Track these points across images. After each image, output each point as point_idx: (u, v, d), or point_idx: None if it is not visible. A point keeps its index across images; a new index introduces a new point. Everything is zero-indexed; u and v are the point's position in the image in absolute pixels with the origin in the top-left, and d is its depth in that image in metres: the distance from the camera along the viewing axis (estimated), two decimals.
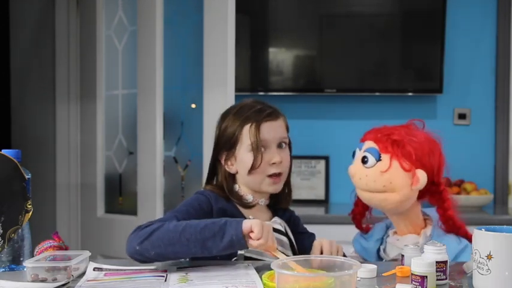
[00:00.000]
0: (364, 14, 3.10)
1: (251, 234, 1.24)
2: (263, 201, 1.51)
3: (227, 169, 1.49)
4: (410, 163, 1.44)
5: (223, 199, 1.48)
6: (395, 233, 1.56)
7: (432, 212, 1.57)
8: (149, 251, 1.26)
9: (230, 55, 2.42)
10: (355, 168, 1.52)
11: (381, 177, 1.46)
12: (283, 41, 3.13)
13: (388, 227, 1.60)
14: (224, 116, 1.51)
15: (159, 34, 2.55)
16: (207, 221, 1.27)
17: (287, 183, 1.56)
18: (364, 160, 1.49)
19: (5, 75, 3.08)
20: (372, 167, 1.47)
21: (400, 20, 3.07)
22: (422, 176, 1.44)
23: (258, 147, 1.43)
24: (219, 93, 2.41)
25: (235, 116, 1.48)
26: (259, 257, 1.41)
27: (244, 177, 1.47)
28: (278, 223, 1.50)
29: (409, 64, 3.10)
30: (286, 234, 1.50)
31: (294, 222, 1.59)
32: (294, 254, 1.49)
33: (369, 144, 1.50)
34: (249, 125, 1.45)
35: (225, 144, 1.47)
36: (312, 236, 1.60)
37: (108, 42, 2.86)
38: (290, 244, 1.50)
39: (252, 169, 1.44)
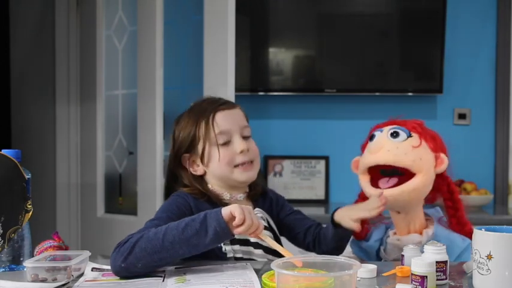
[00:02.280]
0: (364, 14, 3.10)
1: (234, 222, 1.20)
2: (241, 196, 1.47)
3: (193, 172, 1.45)
4: (436, 145, 1.47)
5: (200, 198, 1.43)
6: (395, 233, 1.55)
7: (433, 211, 1.56)
8: (135, 264, 1.21)
9: (230, 55, 2.42)
10: (383, 141, 1.46)
11: (412, 152, 1.43)
12: (283, 41, 3.13)
13: (387, 228, 1.60)
14: (178, 120, 1.47)
15: (159, 34, 2.55)
16: (186, 220, 1.23)
17: (258, 174, 1.50)
18: (394, 134, 1.45)
19: (5, 75, 3.08)
20: (403, 141, 1.45)
21: (399, 20, 3.07)
22: (445, 159, 1.46)
23: (217, 139, 1.39)
24: (219, 93, 2.39)
25: (189, 115, 1.44)
26: (249, 256, 1.40)
27: (214, 174, 1.43)
28: (260, 217, 1.46)
29: (409, 64, 3.10)
30: (269, 228, 1.47)
31: (277, 208, 1.55)
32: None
33: (393, 126, 1.49)
34: (205, 119, 1.40)
35: (184, 147, 1.43)
36: (299, 213, 1.57)
37: (108, 42, 2.86)
38: (274, 237, 1.47)
39: (213, 162, 1.40)
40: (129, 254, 1.21)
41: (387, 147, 1.45)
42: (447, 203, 1.51)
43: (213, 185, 1.45)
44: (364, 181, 1.51)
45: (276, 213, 1.54)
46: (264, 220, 1.47)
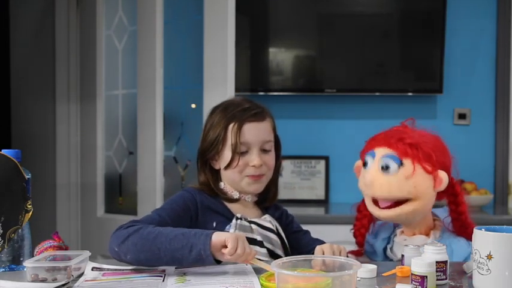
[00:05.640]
0: (364, 14, 3.10)
1: (224, 250, 1.20)
2: (250, 197, 1.51)
3: (212, 165, 1.51)
4: (432, 165, 1.41)
5: (208, 195, 1.48)
6: (402, 232, 1.55)
7: (441, 213, 1.56)
8: (125, 254, 1.25)
9: (230, 55, 2.42)
10: (374, 176, 1.44)
11: (406, 183, 1.41)
12: (283, 41, 3.13)
13: (395, 226, 1.60)
14: (212, 112, 1.52)
15: (159, 34, 2.55)
16: (177, 232, 1.25)
17: (274, 183, 1.55)
18: (384, 167, 1.42)
19: (5, 75, 3.08)
20: (394, 173, 1.41)
21: (399, 20, 3.07)
22: (444, 177, 1.42)
23: (237, 148, 1.44)
24: (219, 93, 2.41)
25: (222, 113, 1.48)
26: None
27: (226, 176, 1.49)
28: (268, 221, 1.49)
29: (409, 64, 3.10)
30: (277, 233, 1.49)
31: (287, 221, 1.59)
32: (286, 252, 1.48)
33: (384, 151, 1.44)
34: (232, 124, 1.45)
35: (211, 142, 1.48)
36: (307, 233, 1.59)
37: (108, 42, 2.86)
38: (281, 242, 1.49)
39: (228, 167, 1.45)
40: (122, 242, 1.25)
41: (379, 181, 1.43)
42: (451, 206, 1.49)
43: (226, 182, 1.50)
44: (368, 201, 1.51)
45: (284, 226, 1.56)
46: (273, 226, 1.49)
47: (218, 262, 1.23)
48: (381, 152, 1.45)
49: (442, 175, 1.42)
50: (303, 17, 3.07)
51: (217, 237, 1.21)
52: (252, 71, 3.09)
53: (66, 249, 1.40)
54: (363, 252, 1.62)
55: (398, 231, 1.56)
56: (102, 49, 2.83)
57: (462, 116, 3.13)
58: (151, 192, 2.57)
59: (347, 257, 1.41)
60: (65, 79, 2.95)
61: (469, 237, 1.47)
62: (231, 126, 1.45)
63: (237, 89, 2.47)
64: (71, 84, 2.94)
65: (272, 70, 3.09)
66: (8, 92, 3.09)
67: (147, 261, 1.26)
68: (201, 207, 1.44)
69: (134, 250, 1.24)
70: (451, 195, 1.49)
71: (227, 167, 1.46)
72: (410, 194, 1.42)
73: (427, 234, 1.50)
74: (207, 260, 1.21)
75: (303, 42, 3.12)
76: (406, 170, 1.41)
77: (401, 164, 1.41)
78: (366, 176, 1.46)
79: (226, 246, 1.20)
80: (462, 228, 1.49)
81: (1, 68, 3.09)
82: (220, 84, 2.43)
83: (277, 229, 1.50)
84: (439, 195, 1.49)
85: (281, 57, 3.11)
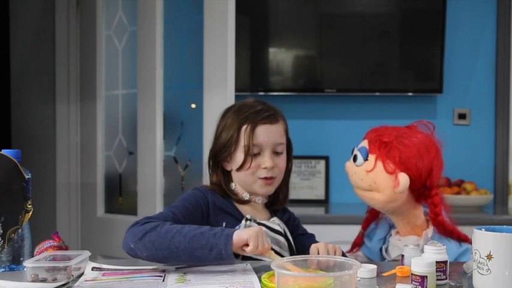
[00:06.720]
0: (364, 14, 3.10)
1: (246, 248, 1.22)
2: (260, 199, 1.52)
3: (224, 166, 1.52)
4: (394, 165, 1.45)
5: (219, 195, 1.49)
6: (397, 233, 1.56)
7: None
8: (142, 251, 1.26)
9: (230, 55, 2.42)
10: (348, 165, 1.58)
11: (367, 176, 1.50)
12: (283, 41, 3.13)
13: (391, 227, 1.60)
14: (225, 113, 1.53)
15: (159, 34, 2.55)
16: (196, 231, 1.25)
17: (285, 185, 1.57)
18: (354, 158, 1.54)
19: (5, 76, 3.08)
20: (360, 165, 1.52)
21: (399, 20, 3.07)
22: (403, 180, 1.44)
23: (249, 150, 1.44)
24: (219, 93, 2.41)
25: (235, 115, 1.49)
26: (256, 256, 1.41)
27: (238, 177, 1.49)
28: (277, 223, 1.50)
29: (409, 64, 3.10)
30: (284, 235, 1.50)
31: (293, 224, 1.60)
32: (292, 255, 1.49)
33: (363, 143, 1.54)
34: (245, 126, 1.45)
35: (223, 144, 1.48)
36: (311, 237, 1.60)
37: (108, 42, 2.86)
38: (288, 245, 1.50)
39: (241, 169, 1.46)
40: (139, 239, 1.26)
41: (350, 171, 1.57)
42: (430, 214, 1.50)
43: (237, 184, 1.51)
44: None
45: (290, 229, 1.58)
46: (281, 229, 1.50)
47: (237, 257, 1.25)
48: (362, 143, 1.55)
49: (401, 177, 1.45)
50: (303, 17, 3.07)
51: (238, 236, 1.23)
52: (252, 71, 3.09)
53: (66, 249, 1.40)
54: (359, 244, 1.65)
55: (393, 231, 1.57)
56: (102, 49, 2.83)
57: (462, 116, 3.13)
58: (151, 192, 2.57)
59: (343, 254, 1.42)
60: (65, 79, 2.95)
61: (455, 239, 1.47)
62: (244, 128, 1.45)
63: (237, 89, 2.47)
64: (71, 84, 2.94)
65: (272, 70, 3.09)
66: (8, 92, 3.09)
67: (164, 259, 1.27)
68: (212, 206, 1.45)
69: (152, 248, 1.24)
70: (427, 197, 1.50)
71: (239, 168, 1.46)
72: (371, 187, 1.50)
73: (420, 235, 1.50)
74: (228, 258, 1.23)
75: (303, 42, 3.12)
76: (368, 165, 1.50)
77: (366, 158, 1.51)
78: (346, 163, 1.60)
79: (247, 245, 1.22)
80: (442, 231, 1.48)
81: (1, 68, 3.09)
82: (220, 84, 2.43)
83: (285, 232, 1.51)
84: (419, 198, 1.51)
85: (281, 57, 3.11)
